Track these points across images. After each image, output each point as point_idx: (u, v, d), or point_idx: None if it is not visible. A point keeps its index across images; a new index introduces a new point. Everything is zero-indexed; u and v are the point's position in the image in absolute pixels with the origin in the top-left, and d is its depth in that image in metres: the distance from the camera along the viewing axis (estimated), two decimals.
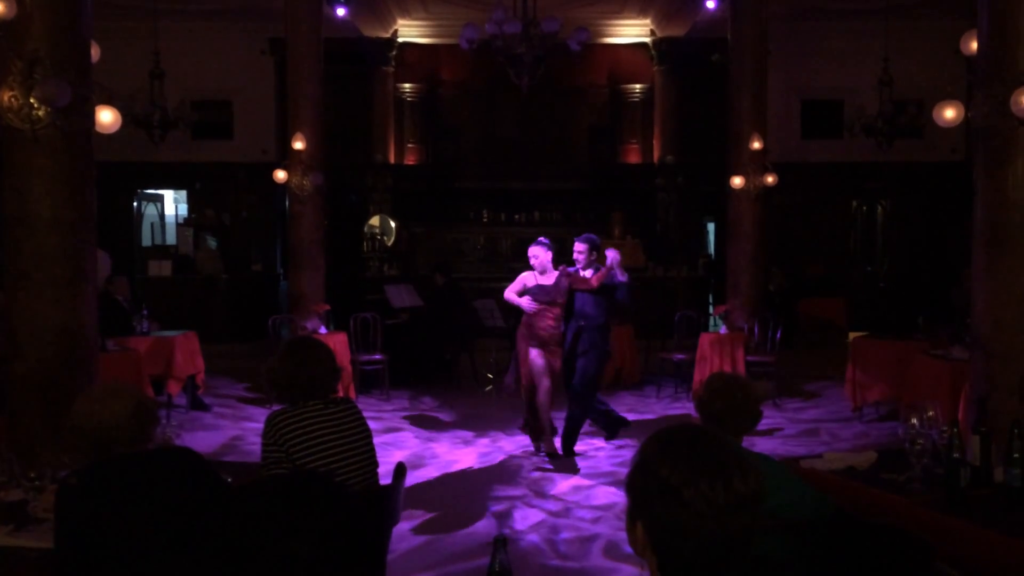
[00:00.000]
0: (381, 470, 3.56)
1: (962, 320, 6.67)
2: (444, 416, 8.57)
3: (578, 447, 7.06)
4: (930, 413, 3.48)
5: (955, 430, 3.24)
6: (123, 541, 2.53)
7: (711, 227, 15.96)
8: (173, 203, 16.28)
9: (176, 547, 2.57)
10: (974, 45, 5.01)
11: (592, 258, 6.92)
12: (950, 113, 5.57)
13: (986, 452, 3.33)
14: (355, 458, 3.36)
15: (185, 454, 2.83)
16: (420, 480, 6.21)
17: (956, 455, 3.19)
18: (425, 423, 8.25)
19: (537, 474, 6.43)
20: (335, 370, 3.48)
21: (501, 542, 1.99)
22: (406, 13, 14.20)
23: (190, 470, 2.75)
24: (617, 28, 14.73)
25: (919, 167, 14.27)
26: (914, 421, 3.44)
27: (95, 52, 5.22)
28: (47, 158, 4.79)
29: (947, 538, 2.97)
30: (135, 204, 15.22)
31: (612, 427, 7.48)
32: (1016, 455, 3.17)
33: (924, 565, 2.60)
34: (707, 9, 11.76)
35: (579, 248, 6.93)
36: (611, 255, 6.74)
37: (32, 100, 4.67)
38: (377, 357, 9.51)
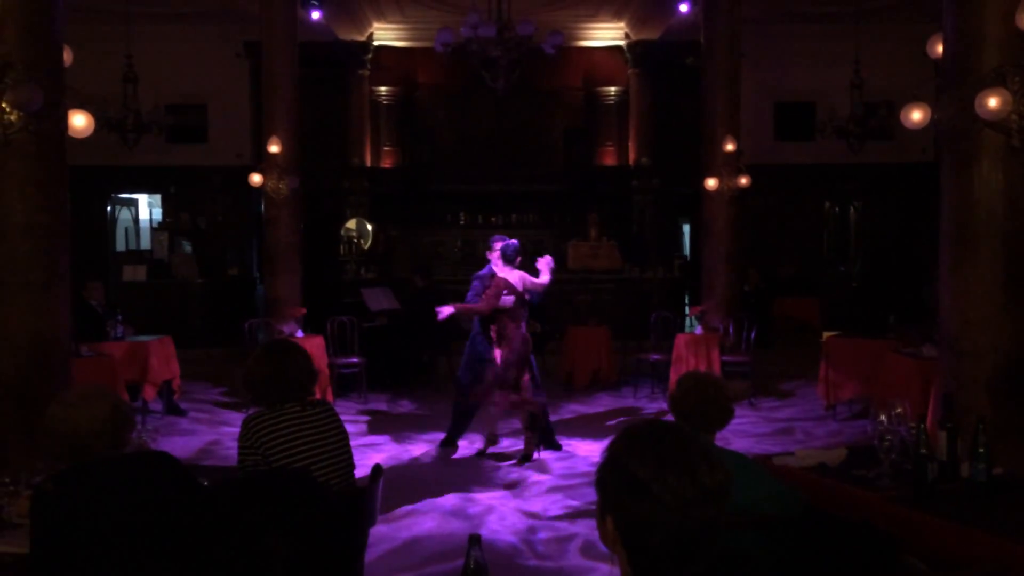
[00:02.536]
0: (358, 473, 3.57)
1: (932, 319, 6.78)
2: (422, 419, 8.58)
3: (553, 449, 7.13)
4: (899, 410, 3.54)
5: (923, 426, 3.30)
6: (99, 546, 2.54)
7: (686, 228, 16.06)
8: (147, 207, 16.16)
9: (153, 551, 2.57)
10: (940, 48, 5.10)
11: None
12: (917, 115, 5.66)
13: (952, 447, 3.40)
14: (332, 460, 3.37)
15: (161, 458, 2.83)
16: (398, 482, 6.21)
17: (924, 451, 3.26)
18: (403, 426, 8.25)
19: (515, 475, 6.46)
20: (312, 372, 3.49)
21: (475, 540, 2.01)
22: (381, 16, 14.19)
23: (166, 474, 2.76)
24: (592, 31, 14.81)
25: (890, 168, 14.44)
26: (883, 418, 3.50)
27: (67, 56, 5.20)
28: (20, 162, 4.77)
29: (915, 532, 3.03)
30: (109, 208, 15.09)
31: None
32: (981, 450, 3.24)
33: (892, 559, 2.66)
34: (680, 12, 11.85)
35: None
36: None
37: (4, 104, 4.64)
38: (354, 360, 9.50)
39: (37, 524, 2.56)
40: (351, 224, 14.54)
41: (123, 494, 2.60)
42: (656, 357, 9.69)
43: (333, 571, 2.82)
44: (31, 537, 2.58)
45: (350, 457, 3.48)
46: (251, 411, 3.41)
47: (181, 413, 8.64)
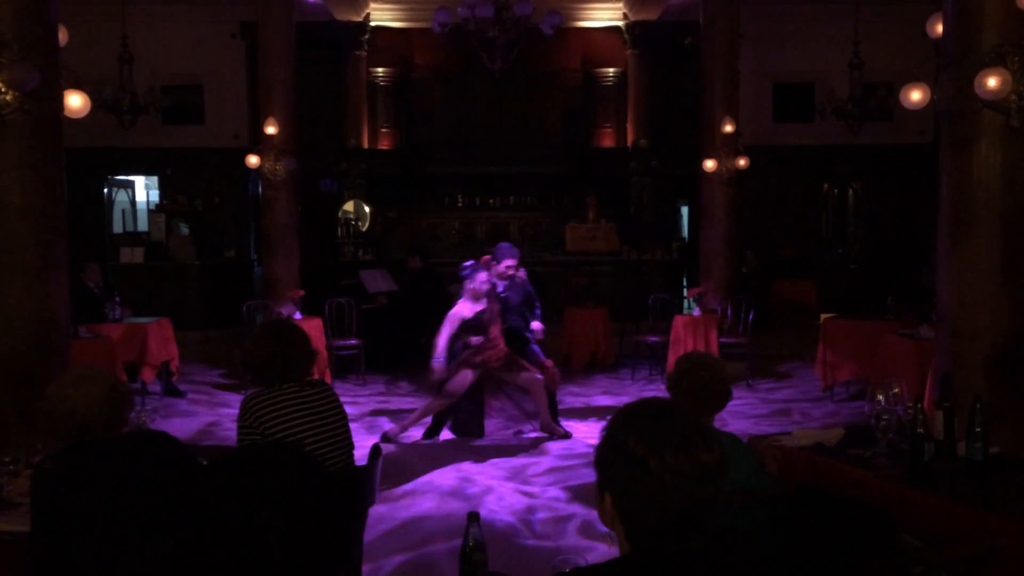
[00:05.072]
0: (357, 453, 3.58)
1: (930, 300, 6.78)
2: (420, 400, 8.58)
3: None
4: (895, 390, 3.56)
5: (919, 406, 3.31)
6: (99, 524, 2.55)
7: (685, 210, 16.04)
8: (144, 189, 16.12)
9: (152, 529, 2.58)
10: (940, 28, 5.08)
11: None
12: (916, 95, 5.64)
13: (949, 427, 3.41)
14: (331, 440, 3.38)
15: (160, 437, 2.84)
16: (396, 463, 6.23)
17: (920, 430, 3.27)
18: (401, 407, 8.26)
19: (513, 456, 6.48)
20: (310, 352, 3.49)
21: (474, 517, 2.03)
22: None
23: (165, 453, 2.77)
24: (590, 12, 14.73)
25: (889, 150, 14.41)
26: (880, 398, 3.52)
27: (63, 36, 5.16)
28: (15, 143, 4.75)
29: (911, 510, 3.04)
30: (106, 190, 15.04)
31: None
32: (978, 429, 3.24)
33: (888, 536, 2.67)
34: None
35: (510, 263, 6.97)
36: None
37: (0, 85, 4.62)
38: (352, 342, 9.51)
39: (37, 503, 2.58)
40: (349, 206, 14.51)
41: (122, 473, 2.61)
42: (654, 339, 9.70)
43: (332, 549, 2.84)
44: (32, 516, 2.59)
45: (349, 437, 3.49)
46: (250, 392, 3.42)
47: (180, 395, 8.65)
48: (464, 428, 7.03)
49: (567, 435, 6.93)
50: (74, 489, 2.55)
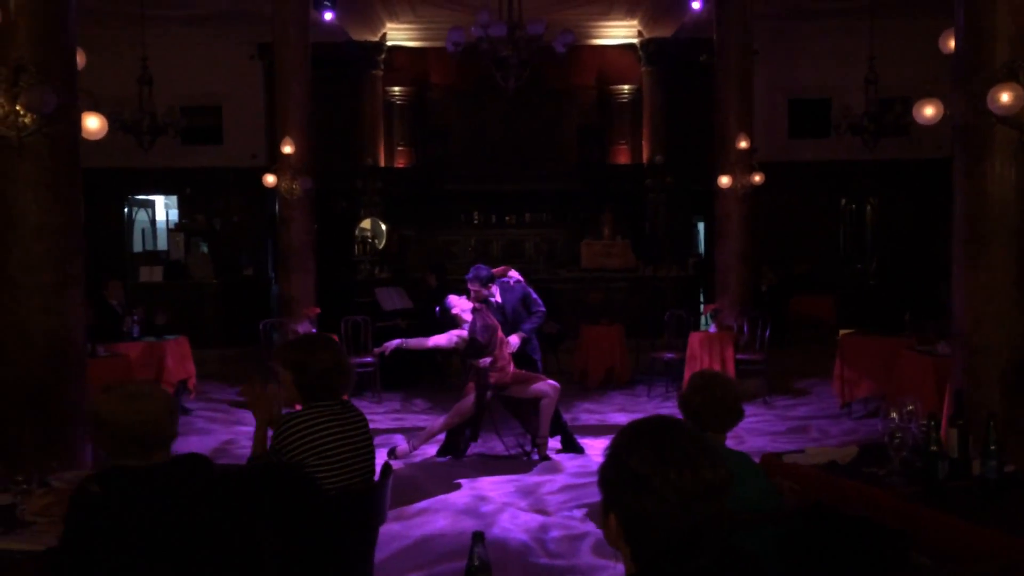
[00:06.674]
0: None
1: (948, 316, 6.72)
2: (435, 418, 8.58)
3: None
4: (910, 407, 3.53)
5: (933, 423, 3.29)
6: (129, 551, 2.48)
7: (701, 226, 16.01)
8: (164, 208, 16.29)
9: (187, 557, 2.53)
10: (953, 43, 5.07)
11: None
12: (930, 111, 5.62)
13: (963, 445, 3.38)
14: (360, 459, 3.37)
15: (198, 461, 2.74)
16: (410, 481, 6.23)
17: (934, 448, 3.24)
18: (416, 424, 8.27)
19: (527, 474, 6.46)
20: (349, 370, 3.48)
21: (479, 537, 2.02)
22: (394, 16, 14.22)
23: (206, 480, 2.68)
24: (605, 29, 14.78)
25: (906, 165, 14.34)
26: (894, 415, 3.49)
27: (81, 59, 5.24)
28: (34, 164, 4.81)
29: (925, 529, 3.01)
30: (126, 210, 15.22)
31: None
32: (992, 447, 3.21)
33: (900, 556, 2.65)
34: (694, 10, 11.81)
35: (474, 289, 6.85)
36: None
37: (18, 107, 4.69)
38: (368, 360, 9.53)
39: (75, 523, 2.50)
40: (365, 224, 14.57)
41: (160, 501, 2.53)
42: (670, 356, 9.67)
43: (339, 568, 2.83)
44: (65, 533, 2.51)
45: (373, 459, 3.49)
46: (291, 411, 3.39)
47: (185, 412, 8.57)
48: (452, 447, 7.04)
49: (547, 458, 6.83)
50: (111, 514, 2.50)
